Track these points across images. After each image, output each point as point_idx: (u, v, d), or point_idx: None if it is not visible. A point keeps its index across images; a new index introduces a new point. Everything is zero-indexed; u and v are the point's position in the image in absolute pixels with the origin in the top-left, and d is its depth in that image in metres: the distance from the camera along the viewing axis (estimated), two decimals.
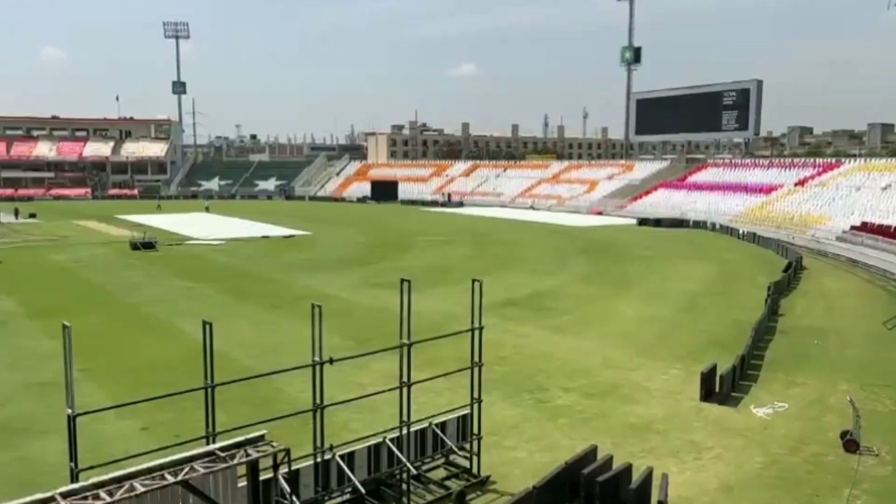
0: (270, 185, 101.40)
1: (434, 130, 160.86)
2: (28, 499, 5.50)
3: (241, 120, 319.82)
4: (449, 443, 10.56)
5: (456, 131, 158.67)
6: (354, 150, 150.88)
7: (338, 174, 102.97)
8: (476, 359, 10.44)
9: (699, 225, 52.11)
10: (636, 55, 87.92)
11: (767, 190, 55.74)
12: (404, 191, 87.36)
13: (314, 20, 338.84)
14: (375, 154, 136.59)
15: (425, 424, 10.43)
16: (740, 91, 68.76)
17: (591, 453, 9.97)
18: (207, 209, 69.40)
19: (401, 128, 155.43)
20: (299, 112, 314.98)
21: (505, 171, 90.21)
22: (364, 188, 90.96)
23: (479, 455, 10.60)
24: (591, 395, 14.23)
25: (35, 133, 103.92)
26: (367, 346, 16.24)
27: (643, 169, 74.94)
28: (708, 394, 13.97)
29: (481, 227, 52.35)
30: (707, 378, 14.08)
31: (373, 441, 9.83)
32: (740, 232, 45.73)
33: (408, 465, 9.73)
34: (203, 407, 8.16)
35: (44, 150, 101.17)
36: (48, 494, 5.54)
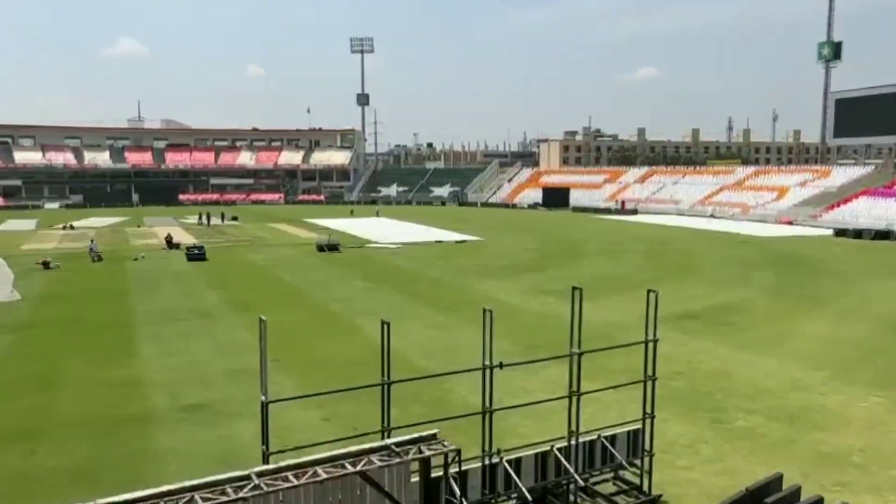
0: (444, 191, 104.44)
1: (608, 136, 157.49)
2: (228, 475, 6.10)
3: (418, 129, 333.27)
4: (619, 457, 10.27)
5: (631, 137, 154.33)
6: (526, 157, 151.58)
7: (509, 181, 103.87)
8: (650, 372, 10.07)
9: None
10: (836, 51, 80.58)
11: None
12: (576, 197, 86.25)
13: (488, 29, 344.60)
14: (547, 160, 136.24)
15: (594, 436, 10.22)
16: None
17: (775, 481, 9.23)
18: (377, 214, 73.33)
19: (574, 134, 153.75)
20: (473, 120, 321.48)
21: (683, 177, 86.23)
22: (535, 195, 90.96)
23: (650, 473, 10.20)
24: (776, 419, 13.19)
25: (238, 144, 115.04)
26: (536, 353, 16.25)
27: (842, 174, 68.35)
28: None
29: (656, 235, 50.41)
30: None
31: (540, 449, 9.80)
32: None
33: (575, 476, 9.59)
34: (379, 402, 8.58)
35: (245, 159, 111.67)
36: (245, 472, 6.10)
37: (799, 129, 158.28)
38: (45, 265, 33.29)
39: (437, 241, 46.19)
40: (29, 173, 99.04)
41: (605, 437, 10.31)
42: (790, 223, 59.17)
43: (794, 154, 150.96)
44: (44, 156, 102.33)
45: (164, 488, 5.83)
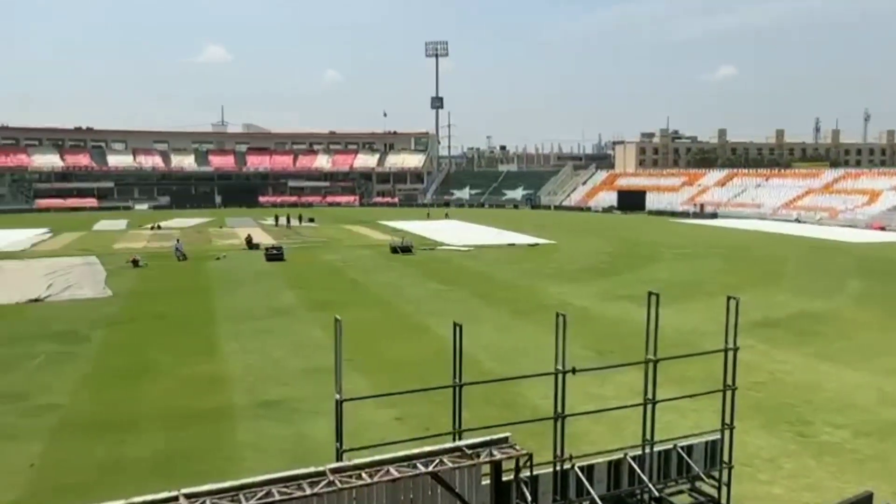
0: (517, 194, 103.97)
1: (686, 138, 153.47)
2: (304, 470, 6.24)
3: (491, 131, 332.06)
4: (696, 468, 9.98)
5: (711, 138, 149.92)
6: (601, 160, 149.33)
7: (584, 183, 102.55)
8: (729, 381, 9.75)
9: None
10: None
11: None
12: (652, 201, 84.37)
13: (561, 29, 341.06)
14: (623, 163, 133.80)
15: (669, 446, 9.96)
16: None
17: (865, 499, 8.79)
18: (447, 216, 74.20)
19: (650, 136, 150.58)
20: (547, 122, 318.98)
21: (766, 180, 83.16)
22: (610, 198, 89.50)
23: (728, 485, 9.87)
24: (866, 434, 12.53)
25: (315, 147, 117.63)
26: (609, 359, 15.96)
27: None
28: None
29: (737, 240, 48.76)
30: None
31: (613, 456, 9.63)
32: None
33: (650, 485, 9.37)
34: (450, 403, 8.62)
35: (322, 161, 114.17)
36: (320, 469, 6.23)
37: (893, 130, 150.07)
38: (135, 263, 34.95)
39: (509, 244, 46.04)
40: (120, 176, 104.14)
41: (682, 447, 10.04)
42: (882, 229, 56.14)
43: (888, 156, 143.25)
44: (134, 159, 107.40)
45: (243, 481, 6.02)
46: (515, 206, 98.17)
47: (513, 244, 46.16)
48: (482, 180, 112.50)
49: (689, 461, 9.99)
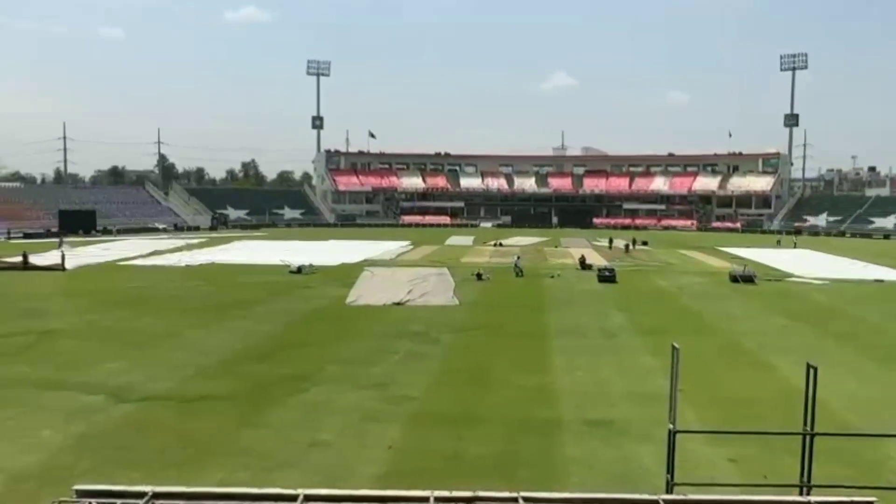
0: (888, 222, 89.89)
1: None
2: (635, 496, 6.22)
3: (857, 151, 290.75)
4: None
5: None
6: None
7: None
8: None
9: None
10: None
11: None
12: None
13: None
14: None
15: None
16: None
17: None
18: (778, 242, 66.86)
19: None
20: None
21: None
22: None
23: None
24: None
25: (652, 169, 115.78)
26: None
27: None
28: None
29: None
30: None
31: None
32: None
33: None
34: (792, 451, 7.85)
35: (659, 184, 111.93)
36: (653, 497, 6.12)
37: None
38: (479, 276, 38.09)
39: (875, 280, 39.95)
40: (470, 196, 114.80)
41: None
42: None
43: None
44: (482, 181, 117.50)
45: (575, 495, 6.22)
46: (886, 237, 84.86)
47: (881, 280, 39.94)
48: (843, 206, 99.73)
49: None
